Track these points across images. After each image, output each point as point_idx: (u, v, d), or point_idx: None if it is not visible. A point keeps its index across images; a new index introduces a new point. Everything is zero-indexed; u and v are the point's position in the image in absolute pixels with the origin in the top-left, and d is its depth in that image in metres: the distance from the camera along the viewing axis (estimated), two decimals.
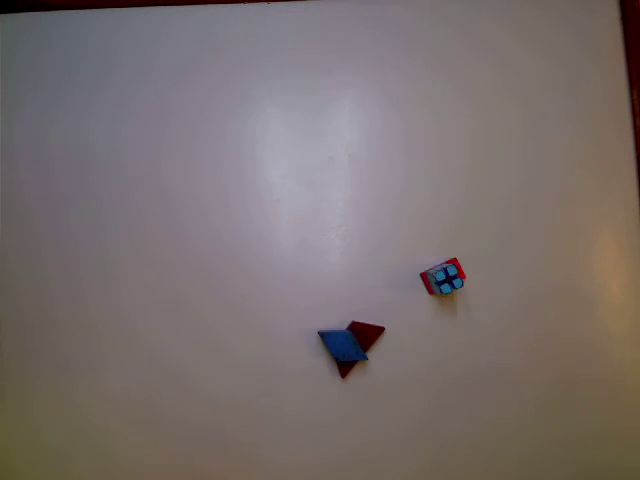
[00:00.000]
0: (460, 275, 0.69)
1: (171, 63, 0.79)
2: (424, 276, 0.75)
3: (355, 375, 0.75)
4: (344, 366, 0.74)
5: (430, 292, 0.75)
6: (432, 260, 0.76)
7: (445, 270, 0.69)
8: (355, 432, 0.74)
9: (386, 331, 0.75)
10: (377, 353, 0.75)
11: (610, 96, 0.78)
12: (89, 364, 0.76)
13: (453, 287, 0.68)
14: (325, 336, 0.73)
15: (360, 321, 0.75)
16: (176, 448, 0.75)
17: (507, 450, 0.74)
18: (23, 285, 0.77)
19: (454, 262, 0.72)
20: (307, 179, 0.78)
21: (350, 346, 0.71)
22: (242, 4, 0.80)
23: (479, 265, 0.76)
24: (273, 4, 0.80)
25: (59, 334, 0.76)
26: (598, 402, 0.74)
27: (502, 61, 0.79)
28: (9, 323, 0.76)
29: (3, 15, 0.80)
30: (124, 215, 0.78)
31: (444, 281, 0.68)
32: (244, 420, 0.75)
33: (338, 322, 0.76)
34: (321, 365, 0.75)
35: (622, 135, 0.78)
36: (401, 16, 0.80)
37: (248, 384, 0.75)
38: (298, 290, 0.76)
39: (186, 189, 0.78)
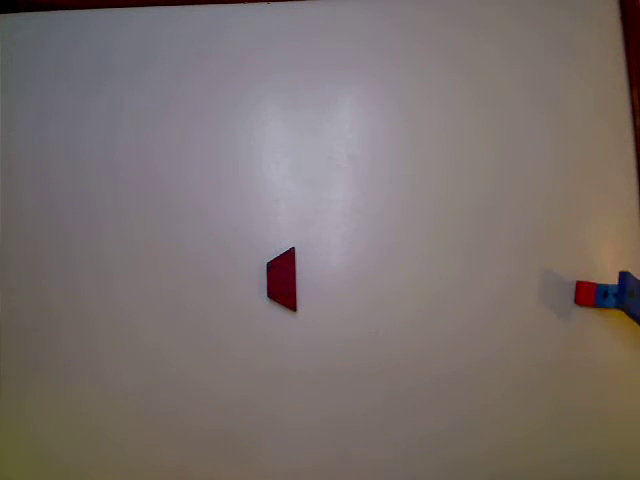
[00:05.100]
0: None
1: (170, 62, 0.79)
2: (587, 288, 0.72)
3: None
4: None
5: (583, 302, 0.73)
6: (436, 260, 0.76)
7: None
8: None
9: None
10: None
11: (610, 96, 0.78)
12: (87, 365, 0.76)
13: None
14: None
15: None
16: (176, 450, 0.75)
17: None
18: (20, 287, 0.76)
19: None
20: (307, 179, 0.78)
21: None
22: (242, 4, 0.80)
23: (482, 262, 0.76)
24: (273, 4, 0.80)
25: (57, 336, 0.76)
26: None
27: (506, 60, 0.79)
28: (6, 325, 0.76)
29: (3, 15, 0.80)
30: (120, 217, 0.77)
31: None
32: (243, 422, 0.75)
33: (337, 320, 0.76)
34: (330, 367, 0.75)
35: (622, 135, 0.78)
36: (404, 13, 0.79)
37: (246, 386, 0.75)
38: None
39: (183, 190, 0.78)
